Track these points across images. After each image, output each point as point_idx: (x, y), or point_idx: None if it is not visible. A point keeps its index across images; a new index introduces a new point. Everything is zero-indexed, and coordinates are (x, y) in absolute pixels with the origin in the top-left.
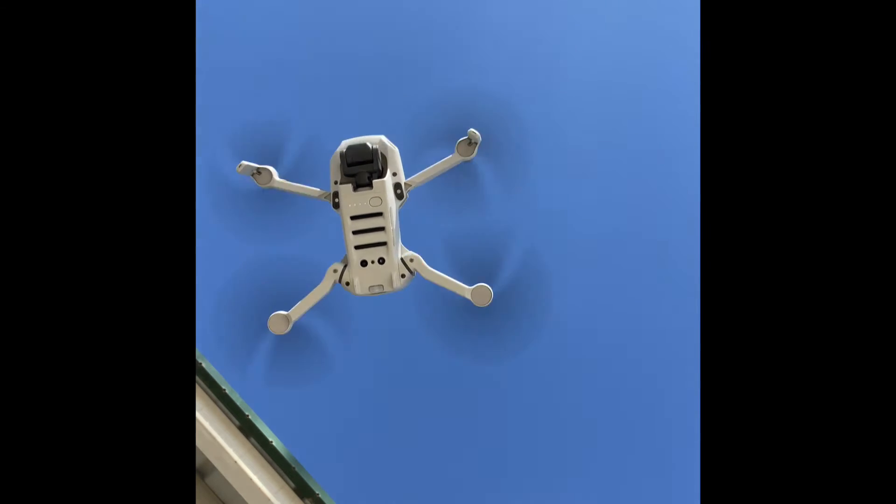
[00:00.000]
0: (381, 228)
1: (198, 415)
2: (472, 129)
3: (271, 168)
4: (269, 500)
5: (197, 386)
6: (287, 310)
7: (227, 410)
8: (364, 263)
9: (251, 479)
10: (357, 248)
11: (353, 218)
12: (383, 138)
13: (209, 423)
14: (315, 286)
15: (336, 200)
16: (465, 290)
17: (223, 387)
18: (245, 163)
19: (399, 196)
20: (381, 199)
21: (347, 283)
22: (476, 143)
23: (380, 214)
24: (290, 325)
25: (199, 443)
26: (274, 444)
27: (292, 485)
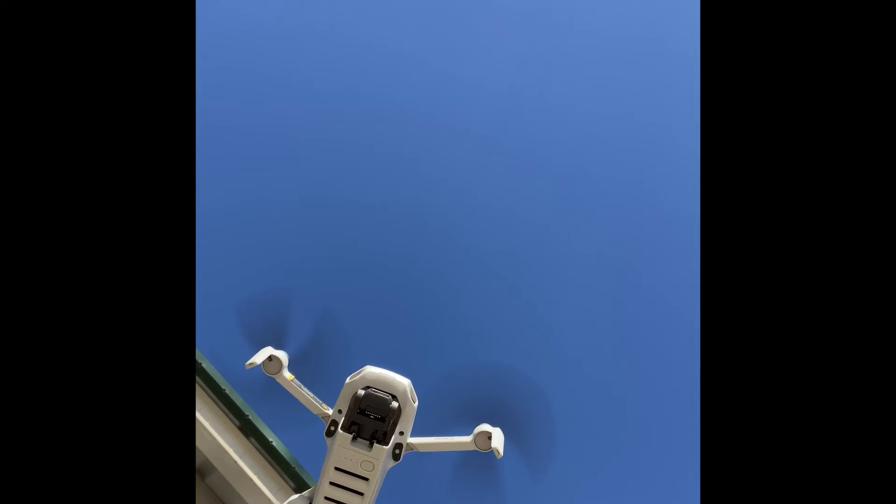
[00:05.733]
0: (360, 493)
1: (198, 415)
2: (496, 447)
3: (282, 357)
4: (269, 500)
5: (197, 386)
6: None
7: (227, 410)
8: None
9: (251, 479)
10: (327, 499)
11: (336, 469)
12: (408, 388)
13: (209, 423)
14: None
15: (331, 432)
16: None
17: (223, 387)
18: (262, 359)
19: (396, 458)
20: (374, 467)
21: None
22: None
23: (365, 480)
24: None
25: (199, 443)
26: (274, 444)
27: (292, 485)
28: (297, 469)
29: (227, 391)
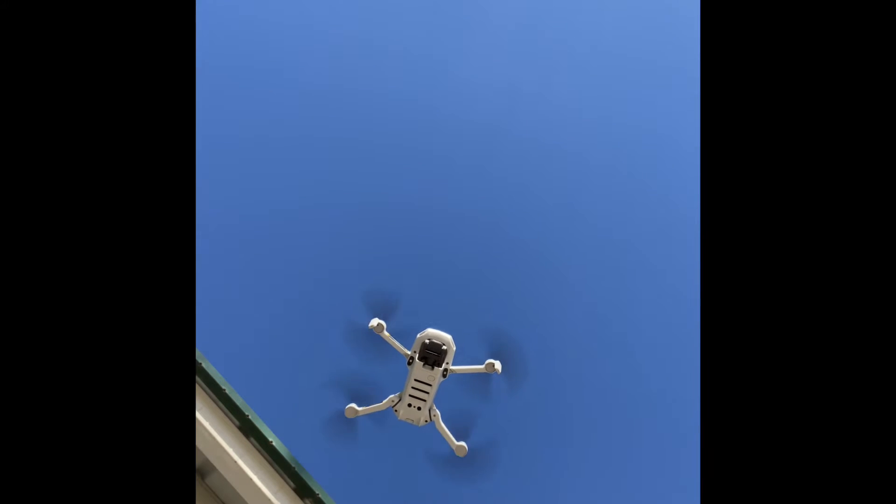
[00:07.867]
0: (427, 392)
1: (198, 415)
2: (497, 369)
3: (383, 323)
4: (269, 500)
5: (197, 386)
6: (360, 406)
7: (227, 410)
8: (410, 405)
9: (251, 479)
10: (410, 395)
11: (415, 380)
12: (451, 340)
13: (209, 423)
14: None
15: (410, 362)
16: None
17: (223, 387)
18: (374, 324)
19: (444, 376)
20: (434, 379)
21: (396, 411)
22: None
23: (430, 385)
24: (356, 415)
25: (199, 443)
26: (274, 444)
27: (292, 485)
28: (296, 469)
29: (227, 391)
